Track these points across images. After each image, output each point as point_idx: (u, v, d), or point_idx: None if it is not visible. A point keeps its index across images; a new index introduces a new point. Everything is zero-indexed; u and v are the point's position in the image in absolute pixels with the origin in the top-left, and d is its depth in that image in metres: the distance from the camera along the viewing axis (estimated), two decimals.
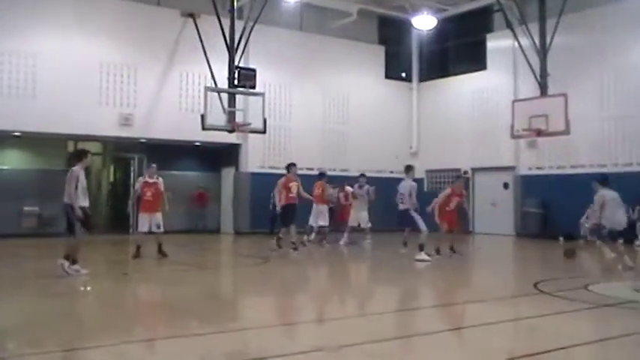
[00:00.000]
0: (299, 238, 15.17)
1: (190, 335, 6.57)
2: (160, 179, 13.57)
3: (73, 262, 10.30)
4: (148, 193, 13.24)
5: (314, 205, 16.85)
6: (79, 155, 10.79)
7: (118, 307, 8.45)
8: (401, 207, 13.62)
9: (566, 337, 6.52)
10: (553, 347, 6.02)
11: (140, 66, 19.71)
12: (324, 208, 17.07)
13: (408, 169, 14.29)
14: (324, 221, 16.96)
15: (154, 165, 13.82)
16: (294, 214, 14.70)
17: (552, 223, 20.29)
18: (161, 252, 13.24)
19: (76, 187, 10.22)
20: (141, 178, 13.91)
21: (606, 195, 12.13)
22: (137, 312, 8.38)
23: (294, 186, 14.71)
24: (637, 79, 18.83)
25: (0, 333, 6.54)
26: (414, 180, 14.13)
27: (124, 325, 7.22)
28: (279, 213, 15.12)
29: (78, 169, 10.39)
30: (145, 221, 13.17)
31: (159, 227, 13.18)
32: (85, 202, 10.43)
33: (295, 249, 14.50)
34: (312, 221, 17.18)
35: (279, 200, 14.89)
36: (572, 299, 8.86)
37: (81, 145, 21.72)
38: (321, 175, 17.65)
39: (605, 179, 12.72)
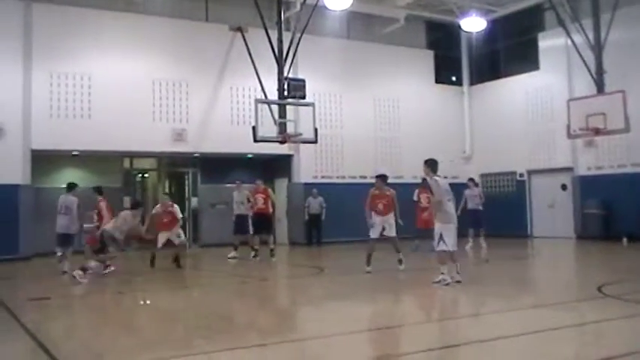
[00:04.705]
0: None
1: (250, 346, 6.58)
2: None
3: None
4: None
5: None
6: None
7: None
8: None
9: (637, 342, 6.27)
10: (622, 352, 5.79)
11: (191, 81, 19.99)
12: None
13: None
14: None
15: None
16: (260, 223, 16.38)
17: (615, 224, 19.69)
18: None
19: None
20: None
21: None
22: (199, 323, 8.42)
23: (259, 198, 16.37)
24: None
25: None
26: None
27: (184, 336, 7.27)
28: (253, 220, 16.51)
29: None
30: None
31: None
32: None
33: (255, 256, 16.06)
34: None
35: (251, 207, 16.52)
36: (639, 302, 8.55)
37: (136, 161, 22.28)
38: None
39: None
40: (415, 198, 17.23)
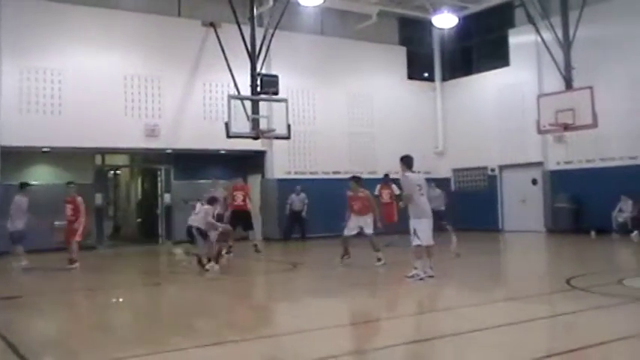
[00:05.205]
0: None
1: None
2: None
3: None
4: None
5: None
6: None
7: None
8: None
9: (605, 332, 6.42)
10: (592, 343, 5.93)
11: (164, 77, 19.83)
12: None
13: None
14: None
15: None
16: (240, 220, 15.80)
17: (583, 218, 20.02)
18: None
19: None
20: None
21: None
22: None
23: (238, 195, 15.92)
24: None
25: None
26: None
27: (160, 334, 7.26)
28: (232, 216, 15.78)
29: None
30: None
31: None
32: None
33: (229, 252, 15.15)
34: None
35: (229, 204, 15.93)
36: (606, 294, 8.73)
37: (108, 158, 22.05)
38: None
39: None
40: (377, 193, 17.41)
